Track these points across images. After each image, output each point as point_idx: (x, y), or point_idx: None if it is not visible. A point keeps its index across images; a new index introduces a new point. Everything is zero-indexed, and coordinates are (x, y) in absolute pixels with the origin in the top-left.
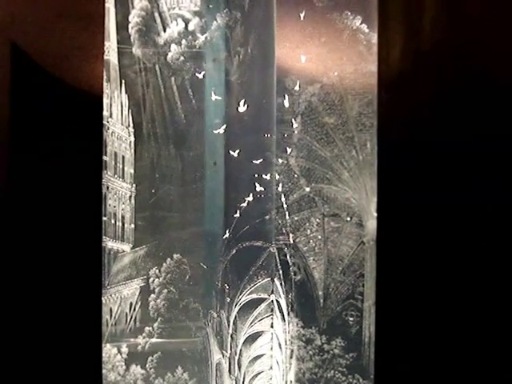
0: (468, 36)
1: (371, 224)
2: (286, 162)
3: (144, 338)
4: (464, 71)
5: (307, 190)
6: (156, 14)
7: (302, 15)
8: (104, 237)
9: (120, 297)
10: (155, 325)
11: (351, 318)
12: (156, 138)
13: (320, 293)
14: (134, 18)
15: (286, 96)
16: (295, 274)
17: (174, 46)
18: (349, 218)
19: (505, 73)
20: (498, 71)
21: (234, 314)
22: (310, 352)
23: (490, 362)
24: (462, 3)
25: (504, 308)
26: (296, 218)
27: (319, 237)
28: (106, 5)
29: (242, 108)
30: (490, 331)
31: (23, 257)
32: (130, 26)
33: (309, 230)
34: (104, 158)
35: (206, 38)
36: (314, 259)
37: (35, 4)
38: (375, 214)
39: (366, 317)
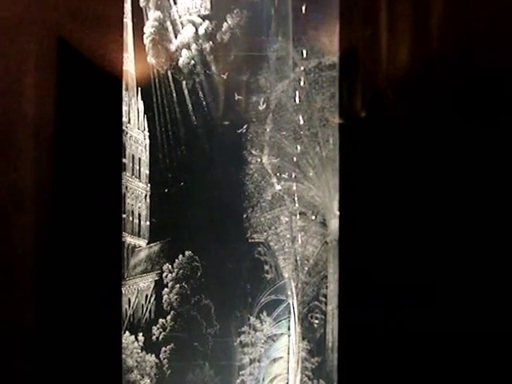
0: (430, 33)
1: (334, 223)
2: (259, 160)
3: (158, 329)
4: (427, 65)
5: (278, 187)
6: (168, 23)
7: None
8: (123, 232)
9: (137, 289)
10: (168, 318)
11: (316, 321)
12: (169, 140)
13: (289, 293)
14: (148, 28)
15: (260, 94)
16: (267, 273)
17: (184, 51)
18: (314, 217)
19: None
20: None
21: (254, 314)
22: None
23: (458, 371)
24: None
25: (469, 309)
26: (268, 217)
27: (288, 236)
28: (125, 20)
29: (262, 106)
30: (456, 338)
31: (53, 249)
32: (144, 36)
33: (279, 229)
34: (123, 160)
35: (216, 40)
36: (283, 258)
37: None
38: (337, 213)
39: (329, 320)
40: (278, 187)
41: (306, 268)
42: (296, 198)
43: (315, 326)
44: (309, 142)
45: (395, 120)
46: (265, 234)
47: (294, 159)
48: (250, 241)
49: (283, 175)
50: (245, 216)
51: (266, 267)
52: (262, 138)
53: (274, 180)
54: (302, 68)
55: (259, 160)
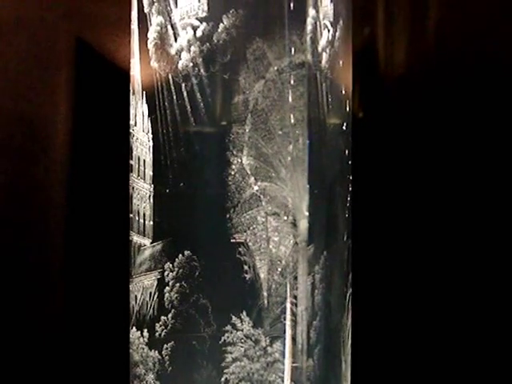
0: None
1: (303, 224)
2: (239, 160)
3: (160, 326)
4: (397, 59)
5: (255, 188)
6: (169, 27)
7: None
8: (130, 231)
9: (142, 286)
10: (169, 315)
11: (288, 322)
12: (170, 142)
13: (265, 293)
14: (151, 34)
15: (240, 95)
16: (246, 273)
17: (183, 54)
18: (286, 217)
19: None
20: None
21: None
22: (258, 353)
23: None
24: None
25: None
26: (247, 217)
27: (263, 236)
28: (132, 26)
29: (258, 106)
30: (437, 333)
31: (64, 246)
32: (148, 41)
33: (256, 229)
34: (130, 162)
35: (213, 41)
36: (259, 258)
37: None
38: (306, 213)
39: (299, 322)
40: (255, 187)
41: (279, 269)
42: (270, 198)
43: (287, 327)
44: (282, 142)
45: (394, 119)
46: (244, 234)
47: (269, 159)
48: (232, 241)
49: (259, 175)
50: (227, 216)
51: (246, 267)
52: (242, 139)
53: (252, 180)
54: (276, 68)
55: (239, 160)
